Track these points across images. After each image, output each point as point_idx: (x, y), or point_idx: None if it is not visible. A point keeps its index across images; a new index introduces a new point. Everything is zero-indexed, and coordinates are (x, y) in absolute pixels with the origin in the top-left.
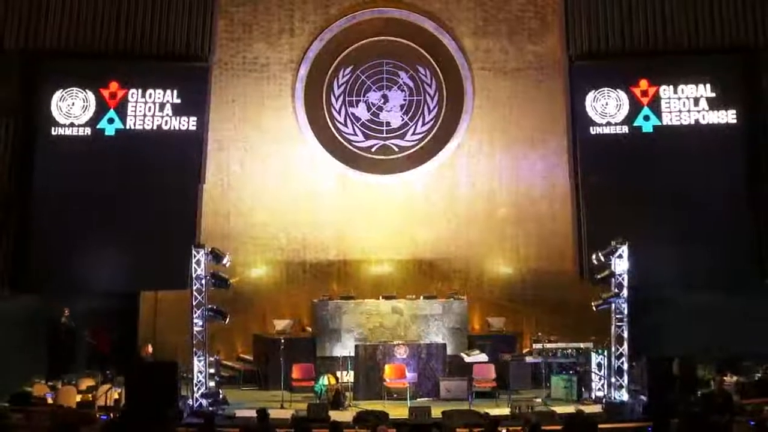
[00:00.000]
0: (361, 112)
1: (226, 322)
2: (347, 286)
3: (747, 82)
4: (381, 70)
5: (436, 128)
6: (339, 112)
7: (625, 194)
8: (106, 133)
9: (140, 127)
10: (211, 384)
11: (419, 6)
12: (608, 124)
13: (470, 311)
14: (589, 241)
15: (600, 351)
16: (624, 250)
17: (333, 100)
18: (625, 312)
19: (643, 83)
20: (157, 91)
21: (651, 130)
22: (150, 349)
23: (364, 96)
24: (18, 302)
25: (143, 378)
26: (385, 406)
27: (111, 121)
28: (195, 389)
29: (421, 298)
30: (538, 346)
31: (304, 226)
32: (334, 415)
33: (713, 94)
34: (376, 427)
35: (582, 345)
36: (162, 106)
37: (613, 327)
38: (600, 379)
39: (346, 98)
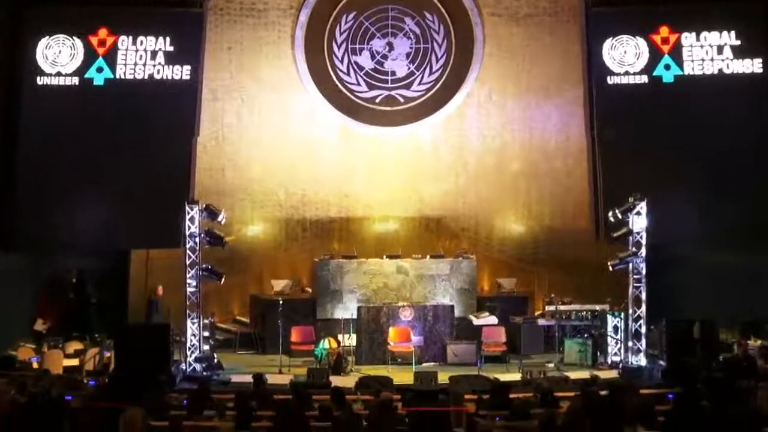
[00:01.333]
0: (364, 60)
1: (221, 282)
2: (349, 244)
3: None
4: (386, 16)
5: (444, 78)
6: (341, 61)
7: (645, 148)
8: (95, 83)
9: (131, 77)
10: (205, 348)
11: None
12: (626, 73)
13: (479, 271)
14: (605, 197)
15: (616, 313)
16: (642, 206)
17: (335, 47)
18: (643, 272)
19: (664, 30)
20: (149, 38)
21: (672, 80)
22: (161, 291)
23: (367, 44)
24: (4, 261)
25: (134, 341)
26: (389, 371)
27: (100, 70)
28: (188, 353)
29: (428, 257)
30: (551, 308)
31: (304, 182)
32: (335, 381)
33: (738, 42)
34: (379, 393)
35: (597, 307)
36: (154, 54)
37: (630, 288)
38: (616, 343)
39: (349, 46)
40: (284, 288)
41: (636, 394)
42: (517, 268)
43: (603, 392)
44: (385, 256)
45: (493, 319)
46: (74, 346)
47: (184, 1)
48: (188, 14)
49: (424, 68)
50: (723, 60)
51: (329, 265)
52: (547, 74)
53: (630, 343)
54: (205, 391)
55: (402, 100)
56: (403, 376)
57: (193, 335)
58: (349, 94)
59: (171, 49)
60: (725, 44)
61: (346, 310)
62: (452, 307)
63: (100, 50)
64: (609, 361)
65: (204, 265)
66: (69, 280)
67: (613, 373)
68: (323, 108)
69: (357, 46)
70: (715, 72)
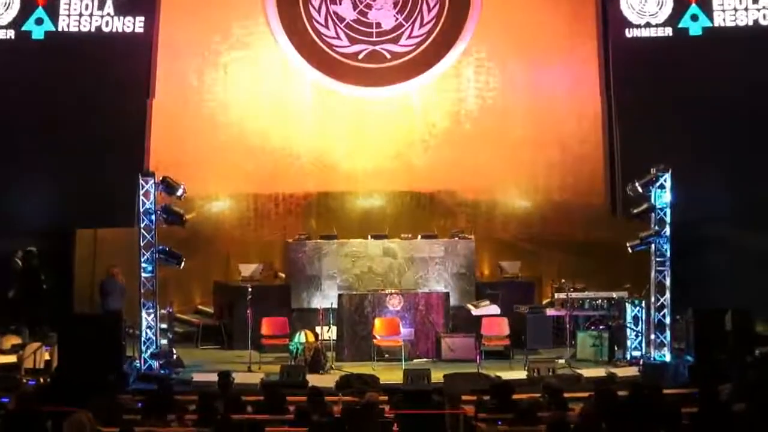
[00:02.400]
0: (345, 10)
1: (181, 266)
2: (329, 222)
3: None
4: None
5: (437, 30)
6: (318, 11)
7: (669, 111)
8: (34, 37)
9: (75, 29)
10: (163, 342)
11: None
12: (648, 25)
13: (478, 253)
14: (623, 168)
15: (636, 302)
16: (666, 179)
17: None
18: (668, 254)
19: None
20: None
21: (699, 33)
22: (119, 273)
23: None
24: None
25: (80, 335)
26: (375, 368)
27: (39, 21)
28: (143, 348)
29: (419, 237)
30: (561, 295)
31: (277, 151)
32: (313, 380)
33: None
34: (363, 394)
35: (614, 294)
36: (102, 2)
37: (652, 272)
38: (636, 335)
39: None
40: (253, 273)
41: (659, 394)
42: (522, 249)
43: (621, 392)
44: (369, 237)
45: (495, 309)
46: (11, 340)
47: None
48: None
49: (414, 19)
50: (759, 9)
51: (305, 246)
52: (556, 27)
53: (652, 336)
54: (165, 392)
55: (388, 56)
56: (390, 375)
57: (149, 328)
58: (327, 50)
59: None
60: None
61: (325, 298)
62: (447, 294)
63: None
64: (628, 357)
65: (161, 247)
66: (14, 263)
67: (632, 371)
68: (298, 66)
69: None
70: (750, 23)
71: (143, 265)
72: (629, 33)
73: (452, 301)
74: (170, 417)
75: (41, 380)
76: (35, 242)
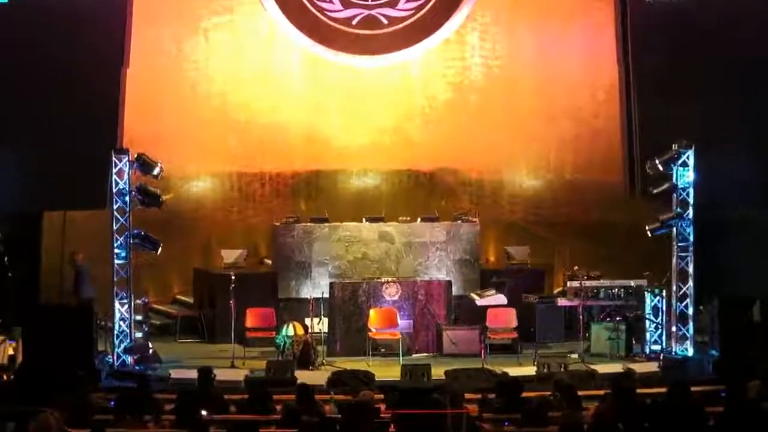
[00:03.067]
0: None
1: (158, 252)
2: (319, 204)
3: None
4: None
5: None
6: None
7: (692, 81)
8: None
9: None
10: (138, 335)
11: None
12: None
13: (483, 238)
14: (642, 144)
15: (657, 291)
16: (689, 155)
17: None
18: (690, 238)
19: None
20: None
21: None
22: (81, 258)
23: None
24: None
25: (47, 327)
26: (371, 364)
27: None
28: (116, 342)
29: (418, 220)
30: (574, 284)
31: (263, 125)
32: (303, 377)
33: None
34: (357, 392)
35: (632, 283)
36: None
37: (674, 259)
38: (656, 327)
39: None
40: (237, 260)
41: (686, 392)
42: (532, 233)
43: (640, 390)
44: (364, 219)
45: (501, 299)
46: None
47: None
48: None
49: None
50: None
51: (294, 230)
52: None
53: (674, 328)
54: (141, 390)
55: (385, 21)
56: (387, 371)
57: (123, 320)
58: (319, 15)
59: None
60: None
61: (316, 287)
62: (449, 283)
63: None
64: (647, 351)
65: (136, 231)
66: None
67: (652, 366)
68: (287, 32)
69: None
70: None
71: (116, 250)
72: None
73: (455, 290)
74: (146, 417)
75: (4, 377)
76: None
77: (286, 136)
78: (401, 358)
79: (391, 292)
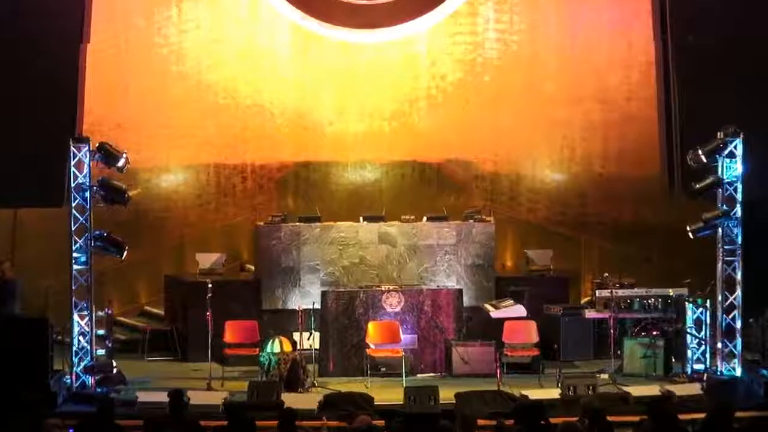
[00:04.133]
0: None
1: (123, 257)
2: (310, 201)
3: None
4: None
5: None
6: None
7: (742, 61)
8: None
9: None
10: (100, 352)
11: None
12: None
13: (500, 240)
14: (683, 131)
15: (699, 301)
16: (737, 145)
17: None
18: (738, 240)
19: None
20: None
21: None
22: (8, 269)
23: None
24: None
25: None
26: (369, 385)
27: None
28: (75, 361)
29: (424, 219)
30: (604, 293)
31: (245, 110)
32: (290, 400)
33: None
34: (354, 418)
35: (671, 292)
36: None
37: (719, 264)
38: (699, 344)
39: None
40: (215, 265)
41: (729, 417)
42: (555, 235)
43: (681, 416)
44: (361, 219)
45: (520, 310)
46: None
47: None
48: None
49: None
50: None
51: (281, 231)
52: None
53: (719, 345)
54: (103, 415)
55: None
56: (388, 393)
57: (82, 334)
58: None
59: None
60: None
61: (306, 296)
62: (460, 292)
63: None
64: (688, 371)
65: (98, 233)
66: None
67: (694, 388)
68: (272, 3)
69: None
70: None
71: (75, 254)
72: None
73: (466, 301)
74: None
75: None
76: None
77: (271, 123)
78: (404, 378)
79: (393, 303)
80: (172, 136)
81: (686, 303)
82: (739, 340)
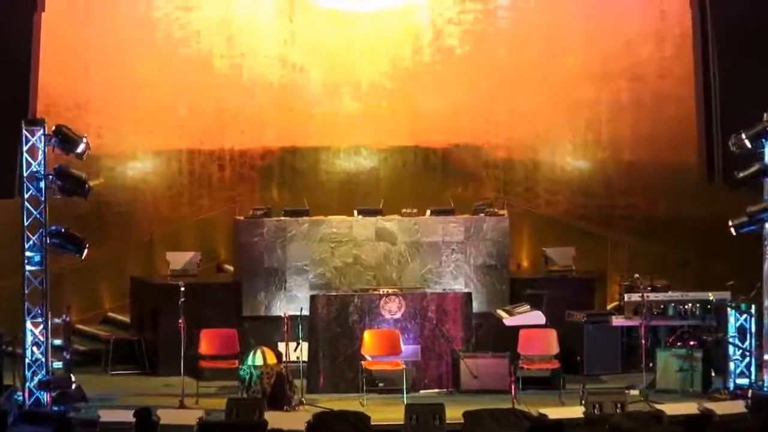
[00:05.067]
0: None
1: (83, 256)
2: (297, 192)
3: None
4: None
5: None
6: None
7: None
8: None
9: None
10: (57, 365)
11: None
12: None
13: (514, 236)
14: (724, 113)
15: (744, 307)
16: None
17: None
18: None
19: None
20: None
21: None
22: None
23: None
24: None
25: None
26: (365, 403)
27: None
28: (28, 375)
29: (428, 213)
30: (634, 297)
31: (223, 88)
32: (274, 420)
33: None
34: None
35: (711, 296)
36: None
37: (766, 264)
38: (743, 355)
39: None
40: (188, 266)
41: None
42: (578, 230)
43: None
44: (356, 212)
45: (538, 317)
46: None
47: None
48: None
49: None
50: None
51: (263, 226)
52: None
53: (766, 356)
54: None
55: None
56: (387, 412)
57: (36, 345)
58: None
59: None
60: None
61: (292, 301)
62: (469, 296)
63: None
64: (731, 386)
65: (54, 228)
66: None
67: (737, 406)
68: None
69: None
70: None
71: (28, 253)
72: None
73: (476, 306)
74: None
75: None
76: None
77: (252, 103)
78: (405, 395)
79: (392, 309)
80: (139, 118)
81: (728, 308)
82: None
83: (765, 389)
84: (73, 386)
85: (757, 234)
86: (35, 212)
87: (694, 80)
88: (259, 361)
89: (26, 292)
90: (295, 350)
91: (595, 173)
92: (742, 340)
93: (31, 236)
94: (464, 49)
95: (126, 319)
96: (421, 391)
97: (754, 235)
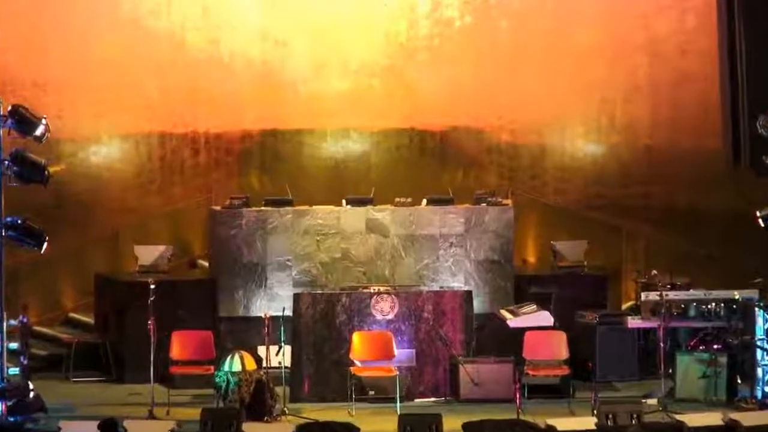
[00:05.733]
0: None
1: (43, 250)
2: (279, 179)
3: None
4: None
5: None
6: None
7: None
8: None
9: None
10: (13, 371)
11: None
12: None
13: (520, 228)
14: (752, 93)
15: None
16: None
17: None
18: None
19: None
20: None
21: None
22: None
23: None
24: None
25: None
26: (353, 413)
27: None
28: None
29: (424, 202)
30: (652, 296)
31: (196, 63)
32: (254, 431)
33: None
34: None
35: (737, 295)
36: None
37: None
38: None
39: None
40: (158, 261)
41: None
42: (590, 222)
43: None
44: (345, 202)
45: (545, 317)
46: None
47: None
48: None
49: None
50: None
51: (242, 217)
52: None
53: None
54: None
55: None
56: (378, 423)
57: None
58: None
59: None
60: None
61: (273, 300)
62: (469, 294)
63: None
64: (758, 395)
65: (10, 219)
66: None
67: (766, 416)
68: None
69: None
70: None
71: None
72: None
73: (477, 306)
74: None
75: None
76: None
77: (230, 81)
78: (398, 404)
79: (384, 308)
80: (103, 98)
81: (756, 308)
82: None
83: None
84: (31, 395)
85: None
86: None
87: (718, 56)
88: (236, 367)
89: None
90: (276, 355)
91: (609, 159)
92: None
93: None
94: (465, 22)
95: (89, 320)
96: (416, 400)
97: None
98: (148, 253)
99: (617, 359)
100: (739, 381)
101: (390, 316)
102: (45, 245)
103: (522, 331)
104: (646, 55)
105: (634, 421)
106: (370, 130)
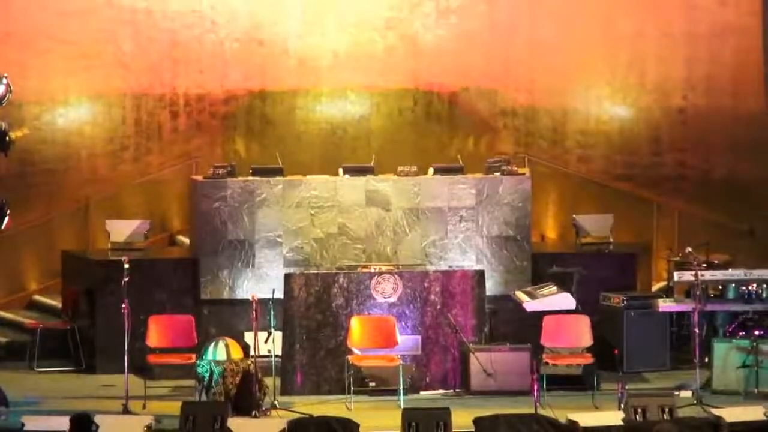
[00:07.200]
0: None
1: (4, 225)
2: (268, 145)
3: None
4: None
5: None
6: None
7: None
8: None
9: None
10: None
11: None
12: None
13: (537, 200)
14: None
15: None
16: None
17: None
18: None
19: None
20: None
21: None
22: None
23: None
24: None
25: None
26: (352, 406)
27: None
28: None
29: (430, 172)
30: (686, 276)
31: (176, 17)
32: (240, 428)
33: None
34: None
35: None
36: None
37: None
38: None
39: None
40: (133, 237)
41: None
42: (617, 194)
43: None
44: (341, 171)
45: (566, 300)
46: None
47: None
48: None
49: None
50: None
51: (227, 188)
52: None
53: None
54: None
55: None
56: (379, 418)
57: None
58: None
59: None
60: None
61: (262, 280)
62: (482, 274)
63: None
64: None
65: None
66: None
67: None
68: None
69: None
70: None
71: None
72: None
73: (490, 287)
74: None
75: None
76: None
77: (213, 36)
78: (402, 397)
79: (387, 290)
80: (71, 54)
81: None
82: None
83: None
84: None
85: None
86: None
87: (761, 7)
88: (221, 356)
89: None
90: (265, 342)
91: (639, 123)
92: None
93: None
94: None
95: (56, 303)
96: (422, 393)
97: None
98: (121, 229)
99: (647, 347)
100: None
101: (392, 299)
102: (6, 219)
103: (540, 315)
104: (681, 6)
105: (665, 416)
106: (369, 90)
